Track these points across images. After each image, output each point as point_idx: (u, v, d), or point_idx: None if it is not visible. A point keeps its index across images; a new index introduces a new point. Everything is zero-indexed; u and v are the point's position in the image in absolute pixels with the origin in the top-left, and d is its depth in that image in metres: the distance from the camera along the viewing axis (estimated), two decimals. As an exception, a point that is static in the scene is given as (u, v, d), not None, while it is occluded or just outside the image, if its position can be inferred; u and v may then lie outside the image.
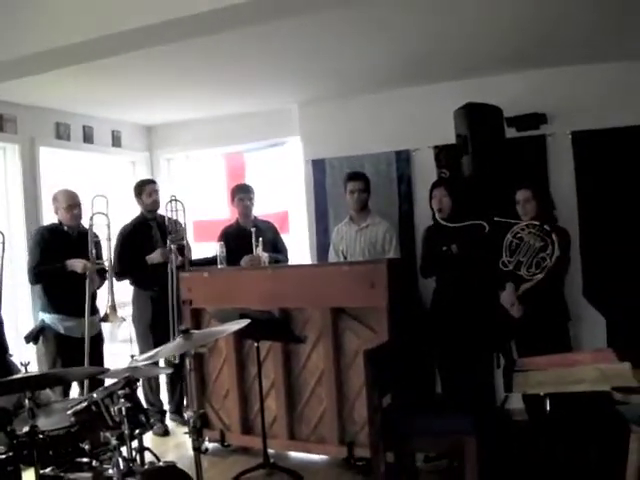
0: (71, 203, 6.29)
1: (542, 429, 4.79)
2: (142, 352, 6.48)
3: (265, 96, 7.58)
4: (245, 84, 7.02)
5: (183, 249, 6.71)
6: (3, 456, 3.32)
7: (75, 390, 6.28)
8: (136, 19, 4.33)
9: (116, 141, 8.55)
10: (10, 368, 4.60)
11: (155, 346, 6.48)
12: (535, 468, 4.68)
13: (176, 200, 6.81)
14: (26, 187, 7.20)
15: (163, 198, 7.04)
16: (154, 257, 6.74)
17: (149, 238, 6.91)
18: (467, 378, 5.95)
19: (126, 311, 6.87)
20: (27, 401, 3.36)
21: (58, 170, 7.89)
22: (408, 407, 4.67)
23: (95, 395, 3.83)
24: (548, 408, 4.08)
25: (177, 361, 5.88)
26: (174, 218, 6.73)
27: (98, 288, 6.39)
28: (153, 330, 6.83)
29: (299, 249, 8.01)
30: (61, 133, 7.70)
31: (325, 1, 4.42)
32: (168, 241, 6.63)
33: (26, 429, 3.35)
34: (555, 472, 4.58)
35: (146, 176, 8.55)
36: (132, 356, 4.55)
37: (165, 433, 6.76)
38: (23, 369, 3.54)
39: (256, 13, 4.33)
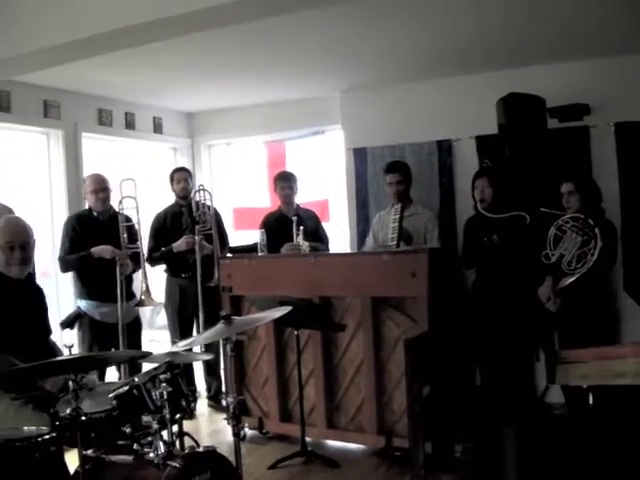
0: (97, 187, 6.27)
1: (584, 422, 4.75)
2: (172, 338, 6.54)
3: (307, 84, 7.57)
4: (287, 72, 7.02)
5: (211, 238, 6.74)
6: (47, 437, 3.34)
7: (112, 375, 6.31)
8: (179, 5, 4.33)
9: (157, 128, 8.60)
10: (54, 350, 4.62)
11: (181, 333, 6.59)
12: (575, 461, 4.63)
13: (204, 189, 6.88)
14: (69, 173, 7.26)
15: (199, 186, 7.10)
16: (179, 245, 6.82)
17: (179, 225, 6.98)
18: (506, 370, 5.91)
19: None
20: (71, 383, 3.37)
21: (100, 157, 7.94)
22: (447, 398, 4.65)
23: (137, 379, 3.85)
24: (591, 401, 4.03)
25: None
26: (203, 208, 6.78)
27: (133, 272, 6.42)
28: (180, 317, 6.95)
29: (340, 238, 8.00)
30: (103, 119, 7.75)
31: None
32: (196, 229, 6.69)
33: (69, 411, 3.36)
34: (595, 466, 4.53)
35: (187, 163, 8.63)
36: (174, 341, 4.58)
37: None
38: (67, 351, 3.56)
39: (297, 1, 4.32)
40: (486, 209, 6.07)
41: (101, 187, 6.28)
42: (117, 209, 6.31)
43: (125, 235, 6.21)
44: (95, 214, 6.33)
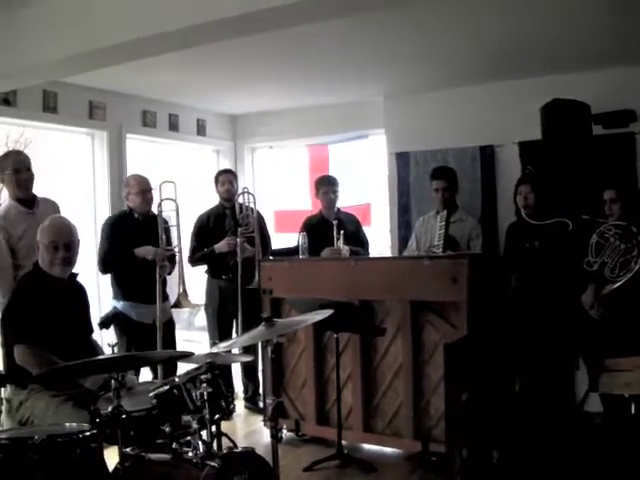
0: (143, 188, 6.28)
1: (624, 432, 4.71)
2: (211, 339, 6.58)
3: (350, 88, 7.59)
4: (331, 76, 7.04)
5: (253, 240, 6.78)
6: (87, 433, 3.38)
7: (147, 376, 6.34)
8: (226, 9, 4.34)
9: (201, 130, 8.65)
10: (95, 349, 4.68)
11: (220, 335, 6.62)
12: (614, 470, 4.59)
13: (248, 192, 6.93)
14: (112, 174, 7.31)
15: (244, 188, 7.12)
16: (220, 246, 6.87)
17: (222, 227, 7.03)
18: (546, 377, 5.88)
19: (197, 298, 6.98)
20: (113, 382, 3.40)
21: (143, 158, 8.00)
22: (485, 404, 4.64)
23: (177, 379, 3.88)
24: (633, 411, 4.00)
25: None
26: (246, 210, 6.82)
27: (169, 274, 6.43)
28: (219, 318, 7.00)
29: (381, 242, 8.00)
30: (147, 121, 7.81)
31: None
32: (239, 232, 6.74)
33: (110, 409, 3.40)
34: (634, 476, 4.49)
35: (230, 165, 8.68)
36: (214, 342, 4.60)
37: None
38: (109, 350, 3.60)
39: (344, 5, 4.32)
40: (529, 215, 6.04)
41: (147, 188, 6.31)
42: (156, 211, 6.34)
43: (164, 237, 6.24)
44: (136, 215, 6.35)
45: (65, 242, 4.42)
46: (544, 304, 5.85)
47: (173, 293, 6.39)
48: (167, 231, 6.35)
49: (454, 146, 7.41)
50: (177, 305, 6.32)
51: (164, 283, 6.39)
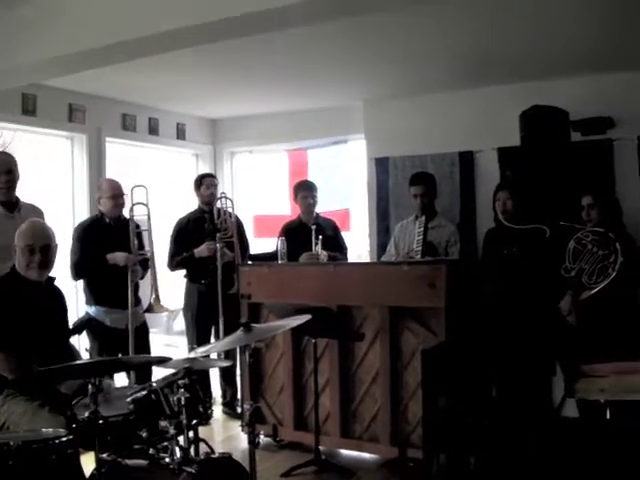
0: (115, 193, 6.23)
1: (600, 438, 4.73)
2: (189, 344, 6.56)
3: (330, 93, 7.61)
4: (311, 80, 7.05)
5: (232, 245, 6.77)
6: (64, 439, 3.36)
7: (121, 381, 6.31)
8: (203, 14, 4.35)
9: (180, 134, 8.64)
10: (73, 353, 4.66)
11: (198, 339, 6.61)
12: (591, 476, 4.62)
13: (226, 197, 6.94)
14: (92, 178, 7.29)
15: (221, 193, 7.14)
16: (200, 251, 6.86)
17: (201, 231, 7.00)
18: (523, 383, 5.90)
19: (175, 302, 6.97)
20: (90, 387, 3.39)
21: (123, 162, 7.98)
22: (463, 409, 4.65)
23: (155, 384, 3.87)
24: (608, 416, 4.02)
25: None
26: (224, 215, 6.83)
27: (141, 279, 6.40)
28: (197, 323, 6.99)
29: (360, 247, 8.01)
30: (127, 124, 7.80)
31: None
32: (217, 236, 6.73)
33: (87, 414, 3.39)
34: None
35: (209, 169, 8.67)
36: (192, 347, 4.59)
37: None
38: (86, 354, 3.58)
39: (324, 10, 4.33)
40: (507, 220, 6.06)
41: (119, 193, 6.26)
42: (128, 215, 6.31)
43: (136, 241, 6.21)
44: (107, 220, 6.30)
45: (41, 245, 4.38)
46: (522, 309, 5.87)
47: (146, 297, 6.36)
48: (139, 235, 6.33)
49: (433, 152, 7.43)
50: (149, 310, 6.30)
51: (136, 288, 6.34)
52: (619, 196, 6.14)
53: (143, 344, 6.34)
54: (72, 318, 5.94)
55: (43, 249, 4.39)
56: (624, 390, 3.74)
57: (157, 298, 6.21)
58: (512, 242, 5.98)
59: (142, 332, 6.38)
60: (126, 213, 6.32)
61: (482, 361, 5.66)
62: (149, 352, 6.37)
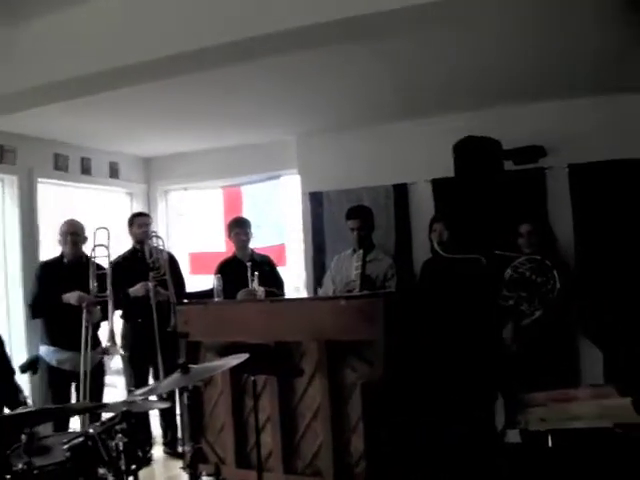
0: (70, 231, 6.27)
1: (543, 465, 4.76)
2: (127, 386, 6.49)
3: (263, 128, 7.63)
4: (244, 117, 7.06)
5: (166, 284, 6.73)
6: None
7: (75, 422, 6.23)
8: (135, 54, 4.35)
9: (114, 173, 8.58)
10: (17, 390, 4.59)
11: (136, 380, 6.55)
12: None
13: (157, 236, 6.92)
14: (23, 219, 7.20)
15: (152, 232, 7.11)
16: (135, 290, 6.77)
17: (135, 271, 6.91)
18: (465, 412, 5.92)
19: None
20: (23, 436, 3.31)
21: (56, 203, 7.89)
22: (404, 441, 4.65)
23: (91, 430, 3.79)
24: (550, 444, 4.05)
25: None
26: (157, 254, 6.78)
27: (101, 321, 6.36)
28: (134, 364, 6.91)
29: (296, 282, 8.00)
30: (59, 164, 7.73)
31: (325, 36, 4.42)
32: (150, 276, 6.67)
33: (21, 466, 3.31)
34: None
35: (143, 208, 8.60)
36: (130, 389, 4.53)
37: None
38: (29, 401, 3.51)
39: (255, 49, 4.36)
40: (444, 251, 6.10)
41: (70, 231, 6.30)
42: (90, 256, 6.28)
43: (95, 284, 6.18)
44: (65, 260, 6.33)
45: None
46: (460, 339, 5.91)
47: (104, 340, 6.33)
48: (100, 277, 6.28)
49: (368, 185, 7.49)
50: (105, 352, 6.28)
51: (95, 329, 6.29)
52: (552, 223, 6.24)
53: (97, 386, 6.30)
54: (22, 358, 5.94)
55: None
56: (562, 418, 3.78)
57: (112, 340, 6.21)
58: (449, 272, 6.02)
59: (97, 374, 6.33)
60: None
61: (422, 392, 5.67)
62: (101, 394, 6.36)
